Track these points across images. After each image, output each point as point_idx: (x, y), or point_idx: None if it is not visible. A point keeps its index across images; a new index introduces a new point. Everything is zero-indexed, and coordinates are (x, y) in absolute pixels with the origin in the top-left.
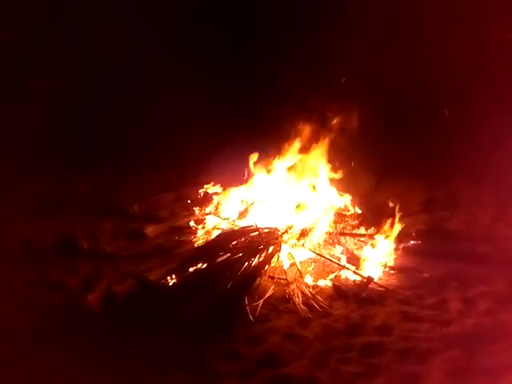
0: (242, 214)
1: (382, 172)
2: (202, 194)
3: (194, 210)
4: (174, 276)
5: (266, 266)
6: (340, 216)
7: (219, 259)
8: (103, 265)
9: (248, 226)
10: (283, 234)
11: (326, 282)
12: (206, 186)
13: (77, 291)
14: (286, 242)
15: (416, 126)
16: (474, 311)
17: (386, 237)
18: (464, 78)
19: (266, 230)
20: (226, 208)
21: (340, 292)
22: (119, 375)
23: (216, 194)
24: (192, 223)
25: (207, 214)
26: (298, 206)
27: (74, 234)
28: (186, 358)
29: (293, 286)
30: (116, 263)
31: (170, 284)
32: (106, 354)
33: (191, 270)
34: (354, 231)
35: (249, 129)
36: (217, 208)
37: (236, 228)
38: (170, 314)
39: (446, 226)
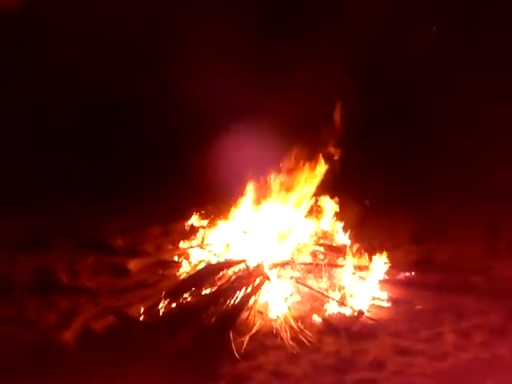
0: (228, 247)
1: (370, 204)
2: (188, 228)
3: (179, 244)
4: (155, 311)
5: (253, 300)
6: (329, 248)
7: (203, 292)
8: (82, 300)
9: (234, 259)
10: (270, 266)
11: (315, 316)
12: (192, 219)
13: (53, 328)
14: (273, 275)
15: (404, 158)
16: (469, 344)
17: (376, 269)
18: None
19: (253, 263)
20: (212, 241)
21: (330, 326)
22: None
23: (202, 227)
24: (177, 257)
25: (193, 247)
26: (285, 239)
27: (53, 269)
28: None
29: (280, 321)
30: (95, 298)
31: (152, 319)
32: None
33: (174, 304)
34: (343, 263)
35: (235, 160)
36: (203, 241)
37: (222, 261)
38: (151, 351)
39: (437, 257)
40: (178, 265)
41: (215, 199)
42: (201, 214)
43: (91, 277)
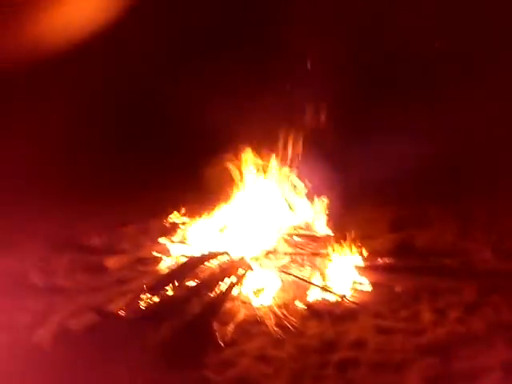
0: (210, 240)
1: (350, 194)
2: (168, 224)
3: (159, 240)
4: (137, 305)
5: (236, 290)
6: (310, 237)
7: (186, 285)
8: (57, 299)
9: (216, 251)
10: (253, 257)
11: (298, 303)
12: (170, 215)
13: (26, 328)
14: (255, 265)
15: (381, 147)
16: (445, 321)
17: (357, 256)
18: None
19: (235, 254)
20: (193, 235)
21: (313, 311)
22: None
23: (182, 223)
24: (156, 253)
25: (173, 243)
26: (266, 229)
27: (27, 270)
28: None
29: (264, 309)
30: (72, 297)
31: (134, 313)
32: None
33: (156, 297)
34: (324, 251)
35: (214, 154)
36: (184, 236)
37: (204, 254)
38: (134, 343)
39: (414, 243)
40: (158, 260)
41: (194, 194)
42: (179, 210)
43: (68, 276)
